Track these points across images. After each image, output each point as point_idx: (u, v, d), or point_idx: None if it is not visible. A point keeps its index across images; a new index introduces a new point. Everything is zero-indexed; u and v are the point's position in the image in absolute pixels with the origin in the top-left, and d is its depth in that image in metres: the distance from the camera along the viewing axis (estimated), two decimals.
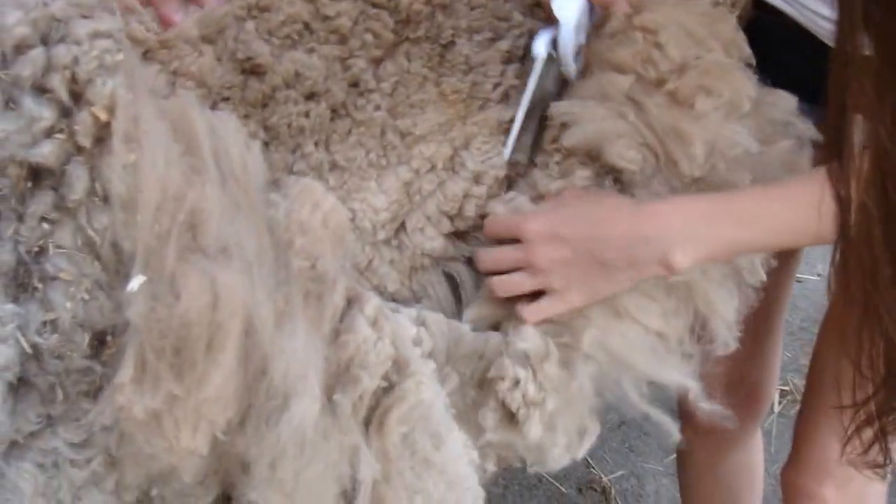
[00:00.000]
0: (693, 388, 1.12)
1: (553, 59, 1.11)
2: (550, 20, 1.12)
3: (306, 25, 1.10)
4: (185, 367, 0.79)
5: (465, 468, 0.99)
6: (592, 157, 1.10)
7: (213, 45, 1.07)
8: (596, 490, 2.49)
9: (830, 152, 0.86)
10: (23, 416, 0.84)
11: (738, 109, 1.10)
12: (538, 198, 1.13)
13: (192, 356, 0.80)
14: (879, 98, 0.73)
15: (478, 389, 1.08)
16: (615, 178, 1.11)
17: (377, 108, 1.10)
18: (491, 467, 1.17)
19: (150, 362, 0.79)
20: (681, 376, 1.13)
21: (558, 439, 1.09)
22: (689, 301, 1.10)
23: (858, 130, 0.82)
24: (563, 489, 2.49)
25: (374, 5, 1.11)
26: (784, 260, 1.34)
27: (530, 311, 1.09)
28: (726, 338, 1.12)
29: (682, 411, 1.74)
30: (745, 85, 1.10)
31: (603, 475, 2.51)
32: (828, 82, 0.83)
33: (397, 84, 1.11)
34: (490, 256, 1.11)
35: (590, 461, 2.55)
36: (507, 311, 1.10)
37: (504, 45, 1.16)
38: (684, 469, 1.90)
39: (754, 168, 1.09)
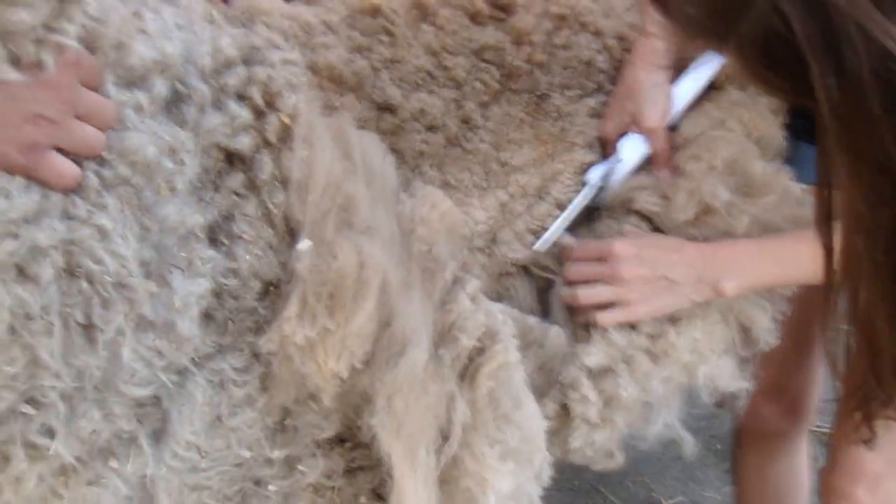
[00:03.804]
0: (747, 388, 1.55)
1: (601, 189, 1.52)
2: (607, 155, 1.53)
3: (429, 73, 1.48)
4: (337, 308, 1.15)
5: (537, 429, 1.33)
6: (627, 209, 1.49)
7: (354, 92, 1.46)
8: None
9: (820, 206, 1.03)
10: (203, 342, 1.19)
11: (715, 169, 1.49)
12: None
13: (343, 301, 1.15)
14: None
15: (538, 372, 1.43)
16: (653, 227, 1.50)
17: (482, 141, 1.47)
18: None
19: (310, 303, 1.15)
20: (739, 379, 1.55)
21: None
22: (729, 314, 1.46)
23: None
24: None
25: (484, 60, 1.49)
26: None
27: (604, 317, 1.47)
28: (767, 339, 1.49)
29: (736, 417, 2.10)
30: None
31: (663, 499, 2.88)
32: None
33: (500, 124, 1.49)
34: (578, 269, 1.49)
35: (651, 486, 2.92)
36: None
37: (591, 102, 1.54)
38: (737, 473, 2.25)
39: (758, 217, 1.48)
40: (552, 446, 1.53)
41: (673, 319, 1.51)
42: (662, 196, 1.50)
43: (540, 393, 1.47)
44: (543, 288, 1.53)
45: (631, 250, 1.46)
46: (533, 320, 1.47)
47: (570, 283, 1.50)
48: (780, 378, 1.99)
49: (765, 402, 2.06)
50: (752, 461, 2.20)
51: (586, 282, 1.48)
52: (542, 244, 1.50)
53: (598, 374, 1.50)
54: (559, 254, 1.53)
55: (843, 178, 0.87)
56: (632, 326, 1.51)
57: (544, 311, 1.54)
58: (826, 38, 0.77)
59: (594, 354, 1.48)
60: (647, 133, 1.50)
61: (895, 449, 1.73)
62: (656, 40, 1.47)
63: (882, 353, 1.04)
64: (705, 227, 1.48)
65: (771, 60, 0.84)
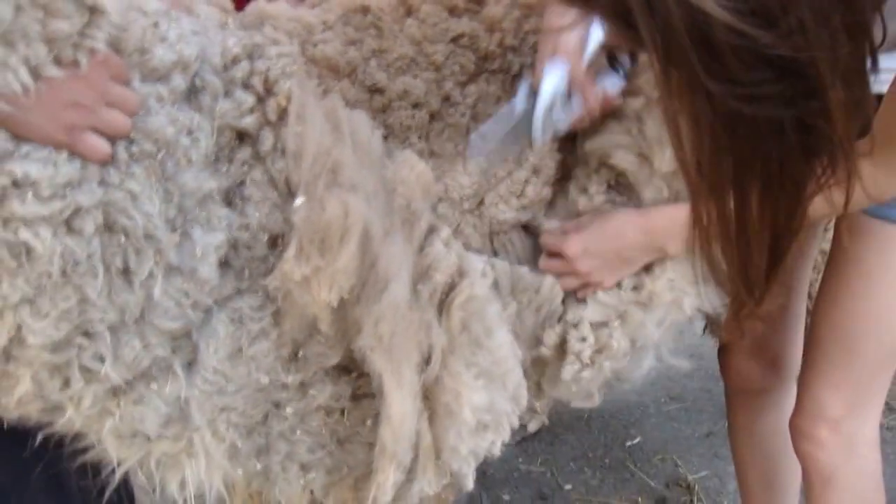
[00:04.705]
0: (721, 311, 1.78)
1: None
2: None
3: (412, 59, 1.74)
4: (326, 250, 1.41)
5: (508, 354, 1.58)
6: (602, 163, 1.73)
7: (349, 78, 1.73)
8: (682, 486, 3.11)
9: None
10: (224, 286, 1.47)
11: None
12: (576, 214, 1.76)
13: (331, 243, 1.41)
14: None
15: (536, 313, 1.68)
16: (621, 183, 1.74)
17: (462, 115, 1.73)
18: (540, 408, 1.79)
19: (305, 246, 1.42)
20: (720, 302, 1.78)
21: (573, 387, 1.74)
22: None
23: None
24: (652, 484, 3.13)
25: (461, 47, 1.75)
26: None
27: (583, 293, 1.74)
28: None
29: (723, 373, 2.30)
30: None
31: (689, 474, 3.13)
32: None
33: (478, 100, 1.74)
34: (548, 265, 1.75)
35: (678, 462, 3.19)
36: None
37: None
38: (731, 433, 2.45)
39: None
40: (544, 376, 1.79)
41: (646, 268, 1.75)
42: (638, 154, 1.72)
43: (536, 329, 1.73)
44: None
45: (579, 248, 1.70)
46: (525, 270, 1.72)
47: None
48: (760, 336, 2.20)
49: (748, 360, 2.28)
50: (742, 419, 2.39)
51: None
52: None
53: (596, 325, 1.74)
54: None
55: (676, 104, 1.11)
56: (617, 285, 1.75)
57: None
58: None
59: (591, 312, 1.73)
60: (564, 56, 1.66)
61: (854, 392, 1.95)
62: None
63: (752, 256, 1.23)
64: (678, 181, 1.70)
65: (620, 19, 1.09)
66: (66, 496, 1.86)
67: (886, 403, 2.93)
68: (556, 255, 1.73)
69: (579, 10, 1.21)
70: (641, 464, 3.23)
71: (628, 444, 3.36)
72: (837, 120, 1.09)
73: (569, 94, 1.68)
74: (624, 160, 1.73)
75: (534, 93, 1.67)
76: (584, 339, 1.72)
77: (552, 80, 1.65)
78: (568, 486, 3.14)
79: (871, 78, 1.13)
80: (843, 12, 1.03)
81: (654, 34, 1.04)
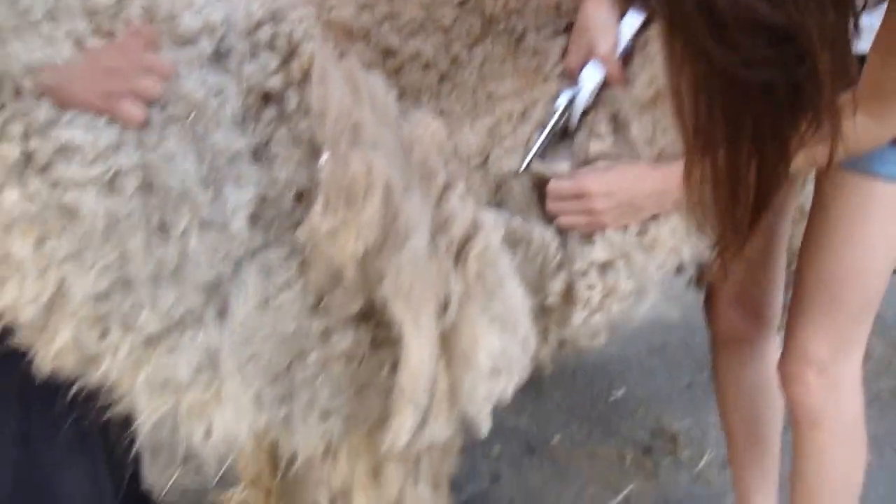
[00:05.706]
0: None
1: (567, 111, 1.84)
2: (571, 83, 1.86)
3: (421, 23, 1.83)
4: (351, 203, 1.50)
5: (519, 303, 1.68)
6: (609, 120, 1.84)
7: (363, 40, 1.82)
8: (665, 436, 3.25)
9: None
10: (253, 239, 1.56)
11: None
12: (583, 162, 1.86)
13: (356, 197, 1.50)
14: None
15: (532, 263, 1.78)
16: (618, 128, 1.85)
17: (470, 74, 1.83)
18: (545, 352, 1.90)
19: (331, 200, 1.51)
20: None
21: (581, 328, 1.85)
22: None
23: None
24: (637, 435, 3.27)
25: (467, 10, 1.85)
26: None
27: (586, 230, 1.84)
28: None
29: (709, 322, 2.42)
30: None
31: (672, 424, 3.28)
32: None
33: (484, 61, 1.84)
34: (557, 206, 1.85)
35: (661, 414, 3.35)
36: None
37: (561, 40, 1.88)
38: (716, 382, 2.57)
39: None
40: (552, 320, 1.90)
41: (652, 216, 1.86)
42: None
43: (536, 278, 1.83)
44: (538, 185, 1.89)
45: (602, 187, 1.80)
46: (517, 222, 1.82)
47: (554, 214, 1.85)
48: (743, 285, 2.32)
49: (733, 309, 2.39)
50: (726, 367, 2.50)
51: None
52: (524, 166, 1.84)
53: (603, 268, 1.85)
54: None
55: (678, 67, 1.22)
56: (623, 229, 1.85)
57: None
58: None
59: (599, 251, 1.84)
60: (602, 59, 1.82)
61: (838, 336, 2.08)
62: None
63: (738, 205, 1.34)
64: (657, 111, 1.81)
65: None
66: (91, 450, 1.95)
67: None
68: (566, 198, 1.83)
69: None
70: (626, 416, 3.36)
71: (612, 397, 3.48)
72: (825, 82, 1.20)
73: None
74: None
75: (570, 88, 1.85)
76: (592, 287, 1.82)
77: (592, 78, 1.83)
78: (555, 439, 3.26)
79: (854, 41, 1.25)
80: None
81: (662, 2, 1.14)
